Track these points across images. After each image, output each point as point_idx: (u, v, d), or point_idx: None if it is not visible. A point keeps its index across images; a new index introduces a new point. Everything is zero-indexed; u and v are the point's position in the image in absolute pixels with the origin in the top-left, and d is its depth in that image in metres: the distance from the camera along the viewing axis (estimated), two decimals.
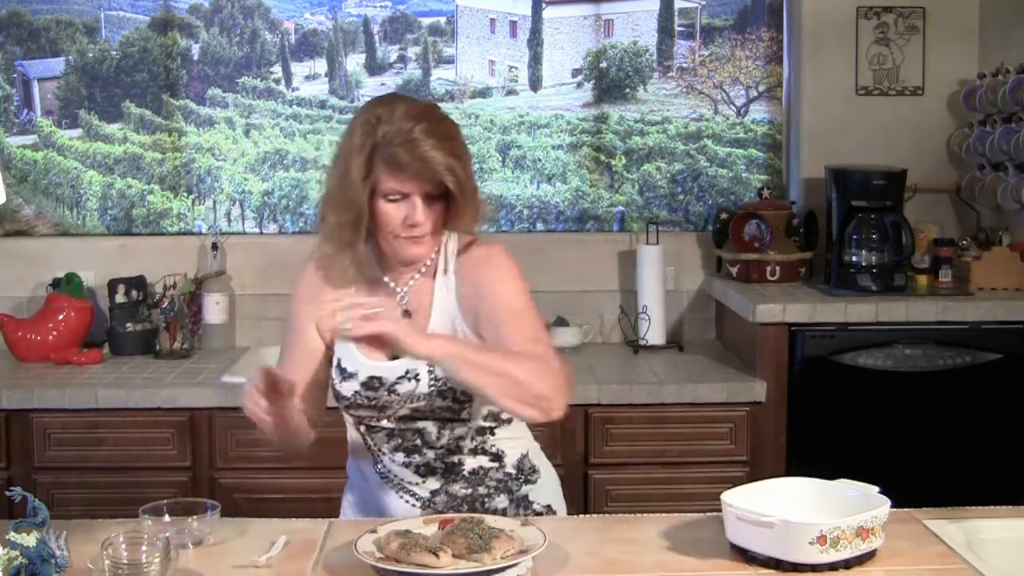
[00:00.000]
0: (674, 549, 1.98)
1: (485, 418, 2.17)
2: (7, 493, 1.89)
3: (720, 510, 1.96)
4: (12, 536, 1.73)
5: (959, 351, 3.40)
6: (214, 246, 3.92)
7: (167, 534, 1.89)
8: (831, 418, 3.41)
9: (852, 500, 1.96)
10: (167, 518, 2.05)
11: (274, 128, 4.04)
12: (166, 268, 3.90)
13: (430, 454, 2.16)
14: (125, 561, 1.80)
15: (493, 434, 2.18)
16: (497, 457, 2.20)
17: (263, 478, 3.32)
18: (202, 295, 3.87)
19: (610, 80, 4.07)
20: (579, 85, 4.08)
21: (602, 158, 4.07)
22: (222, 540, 2.04)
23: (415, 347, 1.93)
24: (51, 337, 3.67)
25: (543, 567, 1.88)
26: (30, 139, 4.02)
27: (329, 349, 2.20)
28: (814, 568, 1.85)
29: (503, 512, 2.19)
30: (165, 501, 2.09)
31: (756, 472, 3.26)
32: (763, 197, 3.91)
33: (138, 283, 3.84)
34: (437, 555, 1.81)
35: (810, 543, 1.83)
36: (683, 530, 2.07)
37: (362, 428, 2.20)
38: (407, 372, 2.10)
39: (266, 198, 4.04)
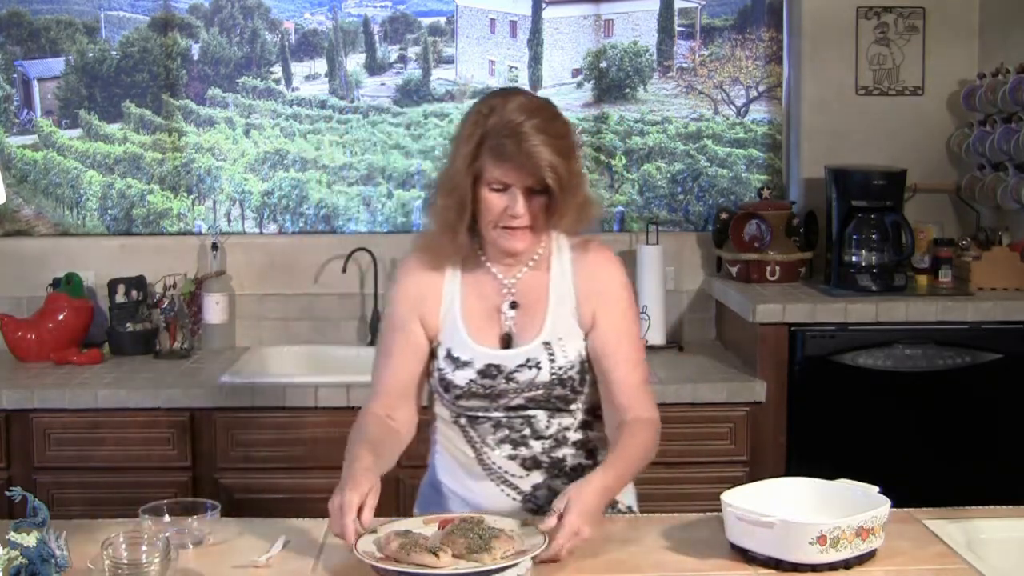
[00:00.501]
0: (674, 549, 1.98)
1: (586, 411, 2.20)
2: (7, 493, 1.89)
3: (720, 510, 1.96)
4: (12, 536, 1.73)
5: (959, 351, 3.40)
6: (214, 246, 3.92)
7: (167, 534, 1.90)
8: (831, 418, 3.41)
9: (852, 500, 1.96)
10: (167, 518, 2.05)
11: (274, 128, 4.04)
12: (166, 268, 3.90)
13: (537, 447, 2.17)
14: (125, 561, 1.81)
15: (592, 429, 2.21)
16: (592, 454, 2.22)
17: (263, 478, 3.32)
18: (202, 295, 3.87)
19: (610, 80, 4.07)
20: (579, 85, 4.07)
21: (602, 158, 4.07)
22: (222, 540, 2.04)
23: (599, 513, 1.95)
24: (51, 337, 3.67)
25: (543, 567, 1.88)
26: (30, 139, 4.01)
27: (431, 344, 2.19)
28: (814, 568, 1.85)
29: None
30: (165, 501, 2.09)
31: (756, 472, 3.26)
32: (763, 197, 3.91)
33: (138, 283, 3.84)
34: (437, 555, 1.81)
35: (810, 543, 1.83)
36: (683, 530, 2.07)
37: (463, 420, 2.19)
38: (527, 360, 2.12)
39: (266, 198, 4.04)
